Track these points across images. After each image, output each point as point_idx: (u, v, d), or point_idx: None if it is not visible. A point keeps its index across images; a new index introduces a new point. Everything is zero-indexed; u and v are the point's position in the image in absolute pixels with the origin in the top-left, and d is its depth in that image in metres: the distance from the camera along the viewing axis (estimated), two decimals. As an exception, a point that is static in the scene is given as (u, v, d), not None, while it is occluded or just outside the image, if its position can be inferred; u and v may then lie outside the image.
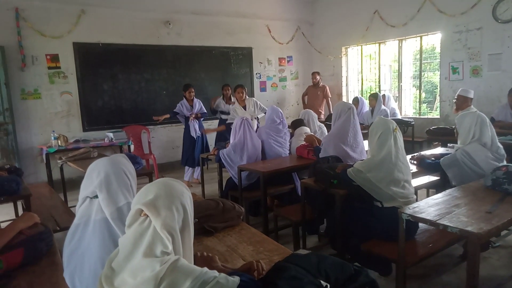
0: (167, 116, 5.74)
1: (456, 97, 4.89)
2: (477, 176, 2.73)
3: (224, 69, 7.50)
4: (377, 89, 7.56)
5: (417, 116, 6.91)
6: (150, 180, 3.46)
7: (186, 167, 5.71)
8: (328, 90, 7.77)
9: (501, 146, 2.83)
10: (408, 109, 7.31)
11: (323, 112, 7.84)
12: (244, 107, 5.25)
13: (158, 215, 1.11)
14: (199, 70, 7.19)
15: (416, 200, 2.60)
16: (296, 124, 4.14)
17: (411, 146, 6.18)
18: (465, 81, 5.93)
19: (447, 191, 2.39)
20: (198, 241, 1.76)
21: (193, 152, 5.45)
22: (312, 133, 4.01)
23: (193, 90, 5.59)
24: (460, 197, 2.25)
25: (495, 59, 5.58)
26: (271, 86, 8.28)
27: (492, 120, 5.01)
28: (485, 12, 5.58)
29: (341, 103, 3.43)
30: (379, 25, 7.10)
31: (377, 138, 2.47)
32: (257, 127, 4.84)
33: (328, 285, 1.16)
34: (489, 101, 5.68)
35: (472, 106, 4.81)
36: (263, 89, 8.13)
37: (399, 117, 6.66)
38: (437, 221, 1.89)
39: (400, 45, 7.07)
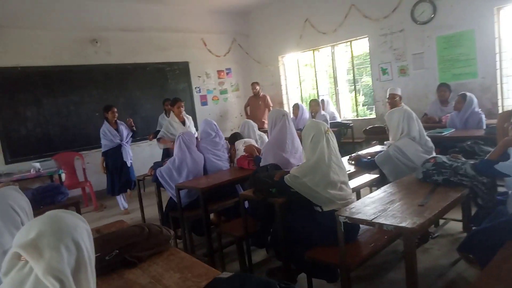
0: (102, 159, 5.30)
1: (388, 96, 5.10)
2: (410, 170, 2.79)
3: (161, 85, 7.24)
4: (316, 95, 7.73)
5: (356, 118, 7.14)
6: (78, 211, 3.15)
7: (118, 197, 5.32)
8: (269, 99, 7.80)
9: (429, 139, 2.93)
10: (347, 112, 7.54)
11: (266, 122, 7.84)
12: (183, 123, 5.05)
13: (39, 258, 0.91)
14: (133, 88, 6.87)
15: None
16: (233, 138, 4.02)
17: (352, 147, 6.35)
18: (394, 81, 6.23)
19: (382, 188, 2.39)
20: (119, 275, 1.56)
21: (121, 179, 5.11)
22: (252, 143, 3.91)
23: (116, 111, 5.18)
24: (394, 193, 2.25)
25: (419, 58, 5.93)
26: (212, 99, 8.15)
27: (425, 115, 5.30)
28: (405, 14, 5.93)
29: (275, 111, 3.38)
30: (311, 33, 7.30)
31: (310, 141, 2.42)
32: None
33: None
34: (418, 98, 6.00)
35: (403, 104, 5.05)
36: (204, 103, 7.98)
37: (339, 120, 6.86)
38: (373, 220, 1.85)
39: (333, 50, 7.31)
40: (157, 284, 1.44)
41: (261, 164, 3.31)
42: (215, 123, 3.98)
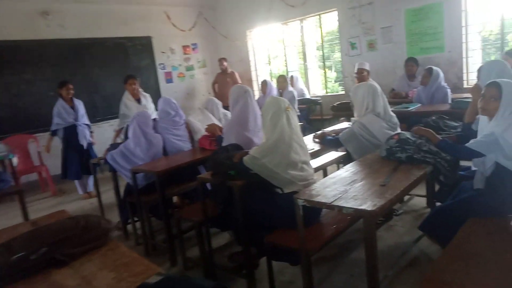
0: (50, 138, 4.91)
1: (356, 71, 4.99)
2: (375, 147, 2.70)
3: (122, 62, 6.83)
4: (285, 71, 7.55)
5: (325, 94, 7.04)
6: (21, 200, 2.89)
7: (76, 181, 5.01)
8: (237, 76, 7.55)
9: (393, 114, 2.84)
10: (316, 89, 7.42)
11: (235, 99, 7.63)
12: (139, 101, 4.76)
13: None
14: (91, 65, 6.44)
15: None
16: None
17: (321, 123, 6.27)
18: (363, 56, 6.13)
19: (345, 167, 2.29)
20: (45, 276, 1.37)
21: (80, 162, 4.79)
22: (215, 122, 3.72)
23: (71, 87, 4.80)
24: (356, 172, 2.15)
25: (387, 32, 5.83)
26: (178, 76, 7.81)
27: (393, 91, 5.25)
28: (374, -14, 5.78)
29: (236, 87, 3.18)
30: (280, 6, 7.03)
31: (269, 119, 2.27)
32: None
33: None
34: (387, 73, 5.94)
35: (370, 79, 4.97)
36: (169, 80, 7.63)
37: (308, 96, 6.74)
38: (332, 203, 1.73)
39: (302, 24, 7.10)
40: (86, 287, 1.27)
41: (223, 144, 3.15)
42: (174, 101, 3.74)
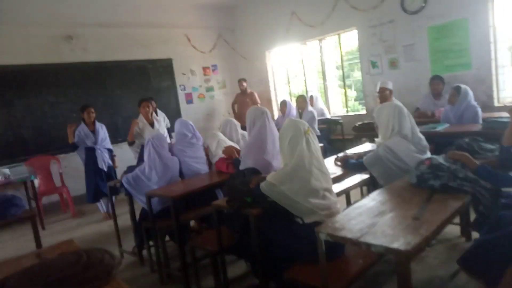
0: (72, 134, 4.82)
1: (378, 90, 4.83)
2: (402, 172, 2.50)
3: (143, 84, 6.90)
4: (304, 91, 7.44)
5: (346, 114, 6.86)
6: (34, 227, 2.82)
7: (98, 203, 5.05)
8: (256, 96, 7.51)
9: (422, 137, 2.64)
10: (336, 108, 7.26)
11: (254, 119, 7.55)
12: (152, 125, 4.75)
13: None
14: (113, 87, 6.53)
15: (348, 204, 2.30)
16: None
17: (342, 144, 6.09)
18: (384, 74, 5.96)
19: (371, 195, 2.10)
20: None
21: (100, 184, 4.78)
22: (230, 144, 3.60)
23: (93, 111, 4.87)
24: (384, 202, 1.97)
25: (409, 50, 5.66)
26: (198, 97, 7.83)
27: (418, 110, 5.04)
28: (394, 4, 5.65)
29: (253, 109, 3.08)
30: (298, 26, 6.99)
31: (287, 143, 2.13)
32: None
33: None
34: (409, 92, 5.73)
35: (393, 98, 4.78)
36: (189, 101, 7.65)
37: (328, 116, 6.58)
38: (359, 240, 1.56)
39: (321, 44, 7.02)
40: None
41: (241, 167, 3.03)
42: (192, 123, 3.67)
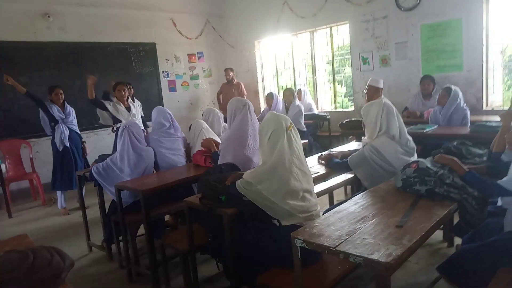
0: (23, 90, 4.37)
1: (366, 87, 4.69)
2: (388, 174, 2.38)
3: (124, 68, 6.61)
4: (293, 84, 7.27)
5: (333, 110, 6.73)
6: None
7: (58, 192, 4.63)
8: (243, 87, 7.30)
9: (410, 138, 2.51)
10: (325, 104, 7.11)
11: (239, 111, 7.36)
12: (128, 109, 4.51)
13: None
14: (92, 70, 6.18)
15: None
16: None
17: (328, 140, 5.97)
18: (375, 71, 5.83)
19: (354, 198, 1.95)
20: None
21: (63, 171, 4.48)
22: (211, 137, 3.41)
23: (61, 92, 4.54)
24: (367, 206, 1.82)
25: (402, 48, 5.53)
26: (182, 85, 7.57)
27: (406, 109, 4.94)
28: (389, 0, 5.50)
29: (235, 100, 2.89)
30: (289, 17, 6.79)
31: (267, 139, 1.96)
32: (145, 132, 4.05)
33: None
34: (399, 91, 5.63)
35: (382, 96, 4.64)
36: (172, 88, 7.39)
37: (316, 112, 6.43)
38: (337, 248, 1.41)
39: (312, 37, 6.84)
40: None
41: (219, 162, 2.85)
42: (170, 112, 3.46)
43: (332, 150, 3.18)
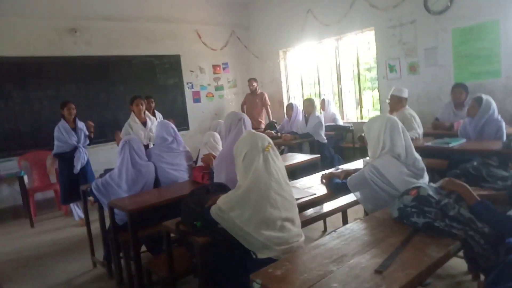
0: (54, 160, 4.67)
1: (389, 97, 4.35)
2: (391, 198, 2.07)
3: (148, 80, 6.69)
4: (317, 94, 7.00)
5: (358, 121, 6.38)
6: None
7: (72, 205, 4.73)
8: (266, 97, 7.16)
9: (419, 157, 2.20)
10: (351, 114, 6.77)
11: (263, 122, 7.22)
12: (144, 123, 4.47)
13: None
14: (117, 82, 6.35)
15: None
16: None
17: (352, 153, 5.65)
18: (403, 80, 5.45)
19: (339, 230, 1.71)
20: None
21: (74, 185, 4.52)
22: (214, 151, 3.27)
23: (73, 107, 4.58)
24: (350, 242, 1.57)
25: (431, 54, 5.11)
26: (206, 96, 7.55)
27: (437, 120, 4.54)
28: (417, 3, 5.12)
29: (231, 114, 2.73)
30: (314, 25, 6.58)
31: (242, 160, 1.78)
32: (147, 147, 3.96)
33: None
34: (429, 100, 5.20)
35: (407, 107, 4.29)
36: (196, 100, 7.39)
37: (340, 122, 6.12)
38: (296, 297, 1.19)
39: (337, 45, 6.56)
40: None
41: (214, 179, 2.69)
42: (173, 126, 3.37)
43: (339, 167, 2.92)
